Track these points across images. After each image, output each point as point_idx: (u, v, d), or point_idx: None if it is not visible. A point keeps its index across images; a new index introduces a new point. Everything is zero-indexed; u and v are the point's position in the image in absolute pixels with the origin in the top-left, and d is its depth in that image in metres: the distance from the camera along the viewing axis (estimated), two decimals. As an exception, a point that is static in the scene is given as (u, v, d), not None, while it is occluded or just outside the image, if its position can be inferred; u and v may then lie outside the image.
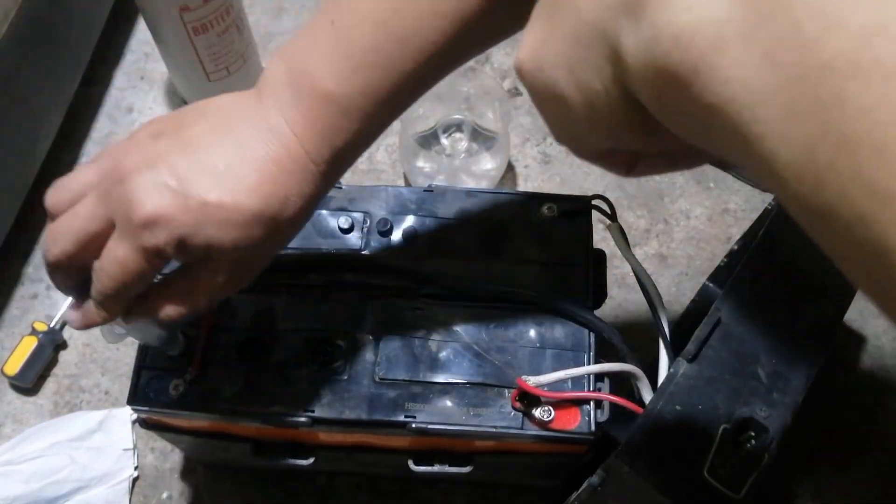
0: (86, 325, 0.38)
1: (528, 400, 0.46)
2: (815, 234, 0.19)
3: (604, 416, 0.46)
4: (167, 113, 0.40)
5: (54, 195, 0.38)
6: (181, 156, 0.35)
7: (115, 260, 0.35)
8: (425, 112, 0.76)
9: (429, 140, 0.76)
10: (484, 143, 0.76)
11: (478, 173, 0.73)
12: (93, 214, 0.36)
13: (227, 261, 0.37)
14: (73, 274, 0.38)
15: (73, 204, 0.37)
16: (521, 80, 0.27)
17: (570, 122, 0.26)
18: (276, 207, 0.36)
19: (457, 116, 0.76)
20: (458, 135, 0.77)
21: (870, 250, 0.17)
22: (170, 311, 0.37)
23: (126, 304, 0.37)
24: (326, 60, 0.36)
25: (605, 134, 0.25)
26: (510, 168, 0.78)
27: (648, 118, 0.23)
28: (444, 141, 0.76)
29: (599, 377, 0.47)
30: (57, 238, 0.36)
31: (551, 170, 0.79)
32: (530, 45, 0.26)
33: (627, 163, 0.29)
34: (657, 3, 0.20)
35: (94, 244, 0.36)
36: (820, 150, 0.17)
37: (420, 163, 0.72)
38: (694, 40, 0.19)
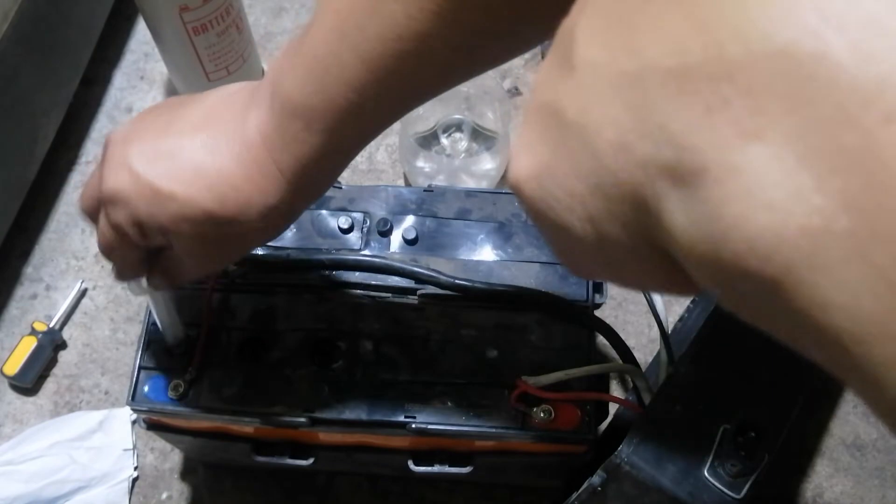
0: (117, 275, 0.43)
1: (528, 400, 0.46)
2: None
3: (604, 416, 0.46)
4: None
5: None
6: (153, 138, 0.36)
7: (99, 228, 0.39)
8: (425, 112, 0.76)
9: (429, 140, 0.76)
10: (484, 143, 0.76)
11: (478, 173, 0.73)
12: (95, 179, 0.39)
13: (190, 249, 0.37)
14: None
15: None
16: (517, 196, 0.22)
17: (575, 251, 0.21)
18: (232, 211, 0.35)
19: (457, 116, 0.76)
20: (458, 135, 0.77)
21: None
22: (155, 281, 0.42)
23: (130, 266, 0.41)
24: (291, 68, 0.34)
25: (616, 271, 0.21)
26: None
27: (681, 275, 0.18)
28: (445, 141, 0.76)
29: (599, 377, 0.47)
30: (82, 195, 0.40)
31: (551, 170, 0.79)
32: (532, 166, 0.20)
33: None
34: (722, 186, 0.15)
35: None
36: None
37: (420, 163, 0.72)
38: (779, 252, 0.14)
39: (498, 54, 0.36)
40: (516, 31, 0.34)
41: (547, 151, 0.20)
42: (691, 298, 0.69)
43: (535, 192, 0.20)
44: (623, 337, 0.49)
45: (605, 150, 0.18)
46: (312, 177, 0.36)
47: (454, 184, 0.72)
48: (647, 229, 0.18)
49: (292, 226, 0.52)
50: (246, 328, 0.49)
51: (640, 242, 0.18)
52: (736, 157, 0.15)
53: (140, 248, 0.39)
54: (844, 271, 0.14)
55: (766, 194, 0.14)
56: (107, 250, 0.40)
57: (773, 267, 0.15)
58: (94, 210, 0.39)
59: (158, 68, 0.84)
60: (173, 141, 0.36)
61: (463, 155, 0.75)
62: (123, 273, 0.42)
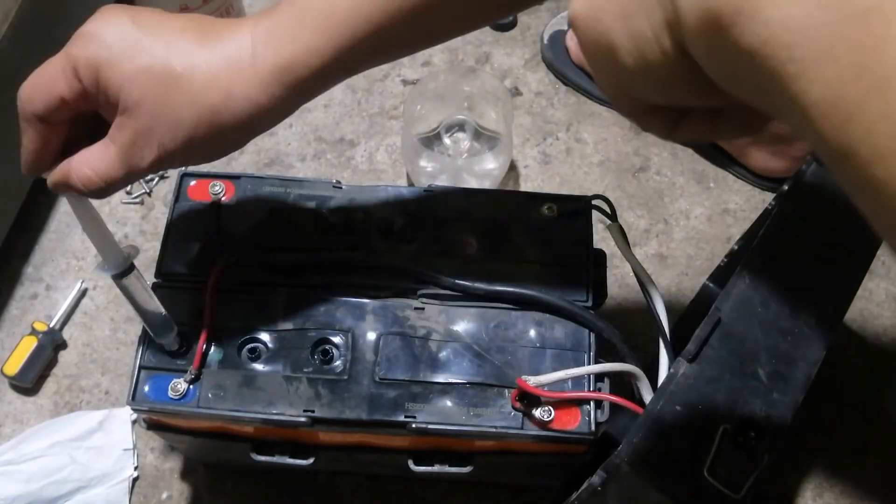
0: (26, 166, 0.40)
1: (528, 400, 0.46)
2: (836, 172, 0.20)
3: (604, 416, 0.46)
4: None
5: None
6: (154, 18, 0.38)
7: (39, 69, 0.38)
8: (428, 112, 0.76)
9: (431, 140, 0.76)
10: (486, 143, 0.76)
11: (480, 173, 0.73)
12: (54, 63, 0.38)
13: (142, 122, 0.37)
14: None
15: None
16: (574, 31, 0.27)
17: (620, 72, 0.26)
18: (214, 97, 0.37)
19: (459, 117, 0.76)
20: (460, 135, 0.77)
21: (886, 190, 0.18)
22: (85, 169, 0.38)
23: (43, 142, 0.39)
24: None
25: (653, 85, 0.26)
26: (511, 167, 0.78)
27: (697, 69, 0.23)
28: (447, 141, 0.76)
29: (599, 377, 0.47)
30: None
31: (551, 170, 0.79)
32: None
33: (669, 122, 0.29)
34: None
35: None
36: (852, 90, 0.18)
37: (423, 162, 0.72)
38: None
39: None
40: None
41: None
42: (691, 299, 0.69)
43: (586, 12, 0.26)
44: (623, 337, 0.49)
45: None
46: (294, 77, 0.38)
47: (457, 183, 0.72)
48: (663, 12, 0.23)
49: (292, 226, 0.52)
50: (246, 328, 0.49)
51: (662, 33, 0.23)
52: None
53: (74, 112, 0.38)
54: None
55: None
56: (37, 85, 0.38)
57: None
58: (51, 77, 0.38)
59: (158, 68, 0.84)
60: (173, 20, 0.38)
61: (465, 155, 0.75)
62: (44, 148, 0.39)
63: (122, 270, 0.43)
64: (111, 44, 0.36)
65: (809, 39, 0.19)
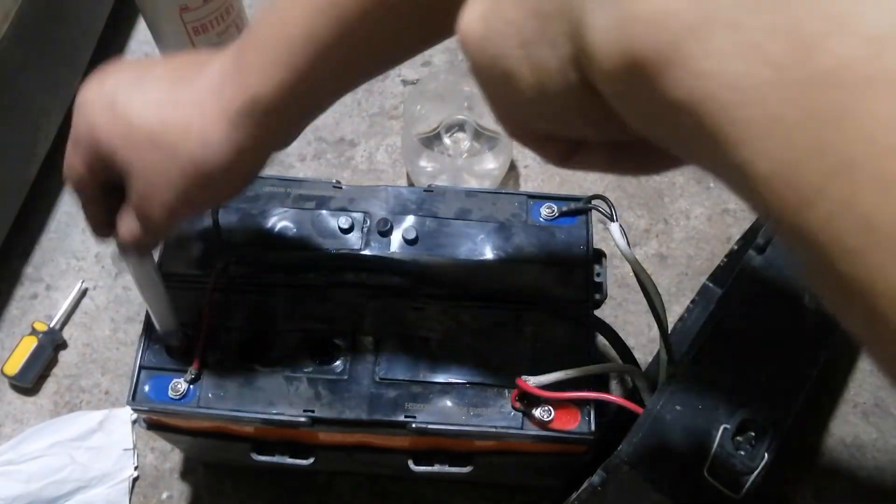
0: (93, 229, 0.43)
1: (528, 400, 0.46)
2: (791, 250, 0.17)
3: (604, 416, 0.46)
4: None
5: None
6: (133, 74, 0.39)
7: (66, 159, 0.40)
8: (428, 112, 0.76)
9: (431, 140, 0.76)
10: (486, 143, 0.76)
11: (480, 173, 0.73)
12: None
13: (149, 184, 0.38)
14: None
15: None
16: (463, 50, 0.24)
17: (514, 101, 0.23)
18: (173, 136, 0.37)
19: (459, 117, 0.76)
20: (460, 135, 0.77)
21: (853, 287, 0.15)
22: (124, 231, 0.41)
23: (96, 212, 0.42)
24: (257, 21, 0.37)
25: (551, 119, 0.23)
26: (511, 167, 0.78)
27: (606, 108, 0.20)
28: (447, 141, 0.76)
29: (599, 377, 0.47)
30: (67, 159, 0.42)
31: (551, 170, 0.79)
32: (478, 9, 0.23)
33: (563, 151, 0.26)
34: None
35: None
36: (809, 169, 0.15)
37: (423, 162, 0.72)
38: (668, 23, 0.17)
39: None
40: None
41: None
42: (691, 299, 0.69)
43: (479, 32, 0.23)
44: (623, 337, 0.49)
45: None
46: (263, 119, 0.37)
47: (457, 183, 0.72)
48: (571, 46, 0.20)
49: (292, 226, 0.52)
50: (246, 328, 0.49)
51: (568, 68, 0.21)
52: None
53: (96, 184, 0.40)
54: (722, 39, 0.16)
55: None
56: (71, 181, 0.41)
57: (663, 40, 0.17)
58: (79, 163, 0.40)
59: (158, 68, 0.84)
60: (149, 78, 0.39)
61: (465, 155, 0.75)
62: (94, 217, 0.42)
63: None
64: (97, 117, 0.38)
65: (755, 102, 0.16)
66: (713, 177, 0.19)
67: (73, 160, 0.40)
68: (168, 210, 0.39)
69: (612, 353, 0.49)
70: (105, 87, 0.39)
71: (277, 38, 0.36)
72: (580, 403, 0.46)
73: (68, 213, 0.77)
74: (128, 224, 0.40)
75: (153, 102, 0.37)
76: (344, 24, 0.35)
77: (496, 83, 0.24)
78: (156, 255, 0.51)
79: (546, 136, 0.26)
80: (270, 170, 0.79)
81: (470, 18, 0.23)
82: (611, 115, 0.20)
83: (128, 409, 0.65)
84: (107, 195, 0.41)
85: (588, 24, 0.19)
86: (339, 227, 0.52)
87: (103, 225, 0.42)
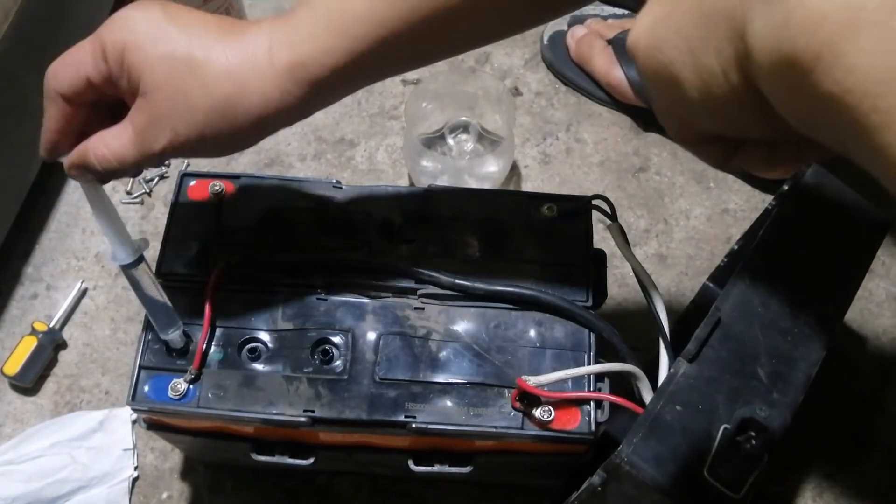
0: (45, 146, 0.42)
1: (528, 400, 0.46)
2: None
3: (604, 416, 0.46)
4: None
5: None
6: (182, 11, 0.39)
7: (68, 52, 0.39)
8: (430, 113, 0.76)
9: (433, 141, 0.76)
10: (489, 146, 0.76)
11: (482, 175, 0.73)
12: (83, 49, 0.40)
13: (159, 106, 0.38)
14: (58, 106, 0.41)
15: None
16: (634, 58, 0.27)
17: (681, 104, 0.26)
18: (229, 88, 0.38)
19: (463, 119, 0.76)
20: (463, 136, 0.77)
21: None
22: (102, 147, 0.40)
23: (67, 122, 0.40)
24: None
25: (716, 118, 0.25)
26: (512, 168, 0.78)
27: (766, 106, 0.23)
28: (451, 142, 0.76)
29: (599, 377, 0.47)
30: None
31: (551, 170, 0.79)
32: (648, 21, 0.26)
33: (724, 152, 0.28)
34: None
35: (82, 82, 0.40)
36: None
37: (425, 163, 0.72)
38: (822, 25, 0.19)
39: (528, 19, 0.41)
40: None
41: (663, 3, 0.25)
42: (691, 299, 0.69)
43: (648, 41, 0.25)
44: (623, 337, 0.49)
45: None
46: (309, 76, 0.39)
47: (457, 184, 0.72)
48: (734, 49, 0.22)
49: (293, 226, 0.52)
50: (246, 328, 0.49)
51: (731, 70, 0.23)
52: None
53: (96, 93, 0.40)
54: (869, 38, 0.18)
55: None
56: (67, 64, 0.39)
57: (816, 40, 0.19)
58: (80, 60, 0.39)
59: (158, 68, 0.84)
60: (197, 16, 0.39)
61: (468, 156, 0.75)
62: (63, 129, 0.41)
63: (133, 261, 0.44)
64: (138, 29, 0.38)
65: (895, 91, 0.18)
66: (858, 161, 0.21)
67: (84, 63, 0.39)
68: (175, 138, 0.39)
69: (612, 353, 0.49)
70: (153, 10, 0.39)
71: (335, 10, 0.38)
72: (580, 403, 0.46)
73: (68, 213, 0.77)
74: (113, 145, 0.40)
75: (201, 40, 0.38)
76: (408, 17, 0.37)
77: (664, 87, 0.26)
78: (153, 254, 0.51)
79: (709, 137, 0.28)
80: (270, 170, 0.80)
81: (640, 30, 0.26)
82: (770, 112, 0.23)
83: (128, 409, 0.65)
84: (94, 112, 0.41)
85: (749, 29, 0.21)
86: (340, 227, 0.52)
87: (70, 140, 0.41)
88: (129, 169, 0.41)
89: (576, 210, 0.53)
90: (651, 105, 0.28)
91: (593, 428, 0.46)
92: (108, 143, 0.40)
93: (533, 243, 0.52)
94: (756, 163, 0.29)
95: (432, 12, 0.38)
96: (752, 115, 0.24)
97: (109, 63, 0.39)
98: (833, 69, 0.19)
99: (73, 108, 0.40)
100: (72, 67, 0.39)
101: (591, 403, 0.46)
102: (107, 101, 0.41)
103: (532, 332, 0.49)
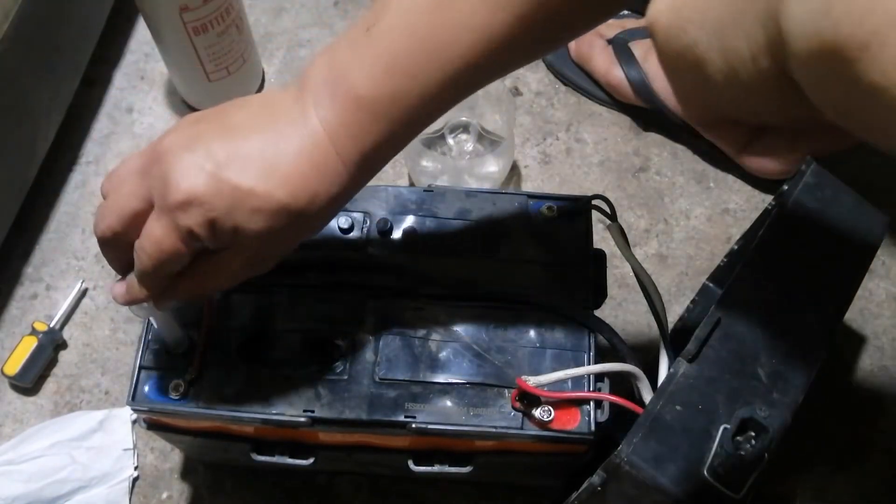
0: (128, 301, 0.41)
1: (528, 400, 0.46)
2: None
3: (604, 416, 0.46)
4: (173, 112, 0.41)
5: (106, 181, 0.41)
6: (219, 140, 0.37)
7: (153, 239, 0.37)
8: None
9: (433, 141, 0.76)
10: (489, 146, 0.76)
11: (482, 175, 0.73)
12: (134, 193, 0.38)
13: (252, 247, 0.38)
14: (119, 250, 0.40)
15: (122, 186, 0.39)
16: (653, 37, 0.25)
17: (704, 87, 0.24)
18: (303, 202, 0.37)
19: (463, 119, 0.76)
20: (464, 136, 0.77)
21: None
22: (191, 289, 0.40)
23: (164, 281, 0.40)
24: (360, 65, 0.36)
25: (741, 104, 0.24)
26: (512, 168, 0.78)
27: (796, 93, 0.22)
28: (451, 142, 0.76)
29: (599, 377, 0.47)
30: (104, 215, 0.39)
31: (551, 170, 0.79)
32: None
33: (743, 138, 0.27)
34: None
35: (136, 222, 0.38)
36: None
37: (425, 162, 0.72)
38: (871, 14, 0.18)
39: (557, 45, 0.39)
40: (585, 24, 0.37)
41: None
42: (691, 299, 0.69)
43: (670, 20, 0.24)
44: (623, 337, 0.49)
45: None
46: (372, 165, 0.39)
47: (457, 184, 0.72)
48: (765, 33, 0.21)
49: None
50: (246, 328, 0.49)
51: (761, 55, 0.21)
52: None
53: (189, 256, 0.38)
54: None
55: None
56: (163, 261, 0.38)
57: (864, 29, 0.18)
58: (125, 227, 0.39)
59: (158, 68, 0.84)
60: (242, 140, 0.37)
61: (468, 157, 0.75)
62: (159, 283, 0.40)
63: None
64: (196, 184, 0.36)
65: None
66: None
67: (173, 249, 0.37)
68: (251, 271, 0.40)
69: (612, 353, 0.49)
70: (196, 149, 0.36)
71: (393, 102, 0.36)
72: (580, 403, 0.46)
73: (68, 213, 0.77)
74: (199, 278, 0.40)
75: (254, 159, 0.36)
76: (451, 83, 0.36)
77: (686, 70, 0.24)
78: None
79: (730, 122, 0.26)
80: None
81: (660, 6, 0.24)
82: (800, 99, 0.21)
83: (128, 409, 0.65)
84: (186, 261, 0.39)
85: (786, 13, 0.20)
86: (339, 227, 0.52)
87: (166, 286, 0.40)
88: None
89: (576, 210, 0.53)
90: (667, 90, 0.27)
91: (593, 428, 0.46)
92: (205, 285, 0.40)
93: (533, 243, 0.52)
94: (777, 148, 0.27)
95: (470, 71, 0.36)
96: (780, 102, 0.23)
97: (203, 239, 0.37)
98: (880, 60, 0.18)
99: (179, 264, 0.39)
100: (163, 244, 0.38)
101: (591, 403, 0.46)
102: None
103: (532, 332, 0.49)
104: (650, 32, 0.25)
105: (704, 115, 0.27)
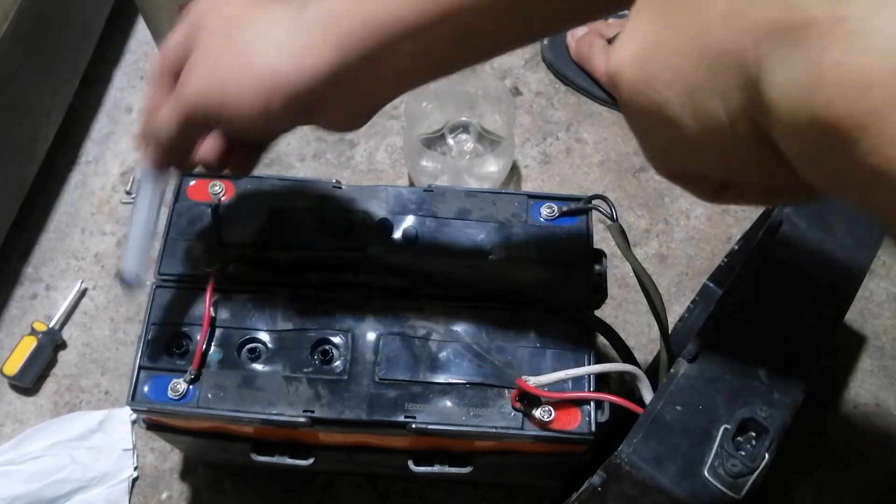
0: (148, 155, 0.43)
1: (528, 400, 0.46)
2: None
3: (604, 416, 0.46)
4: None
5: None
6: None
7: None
8: (431, 113, 0.76)
9: (434, 141, 0.76)
10: (489, 146, 0.76)
11: (481, 175, 0.73)
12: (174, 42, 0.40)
13: (197, 66, 0.39)
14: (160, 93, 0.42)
15: None
16: (616, 92, 0.23)
17: (670, 143, 0.22)
18: (292, 74, 0.37)
19: (464, 119, 0.76)
20: (464, 136, 0.77)
21: None
22: (205, 152, 0.41)
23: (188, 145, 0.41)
24: None
25: (714, 163, 0.22)
26: (512, 168, 0.78)
27: (776, 157, 0.20)
28: (451, 141, 0.76)
29: (599, 377, 0.47)
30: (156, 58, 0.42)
31: (551, 170, 0.79)
32: (635, 50, 0.22)
33: (713, 189, 0.25)
34: (826, 36, 0.17)
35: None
36: None
37: (425, 162, 0.72)
38: (868, 93, 0.16)
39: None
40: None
41: (654, 32, 0.21)
42: (691, 299, 0.69)
43: (636, 74, 0.22)
44: (623, 337, 0.49)
45: (715, 19, 0.19)
46: (363, 49, 0.36)
47: (457, 184, 0.72)
48: (744, 98, 0.19)
49: (292, 225, 0.52)
50: (246, 328, 0.49)
51: (739, 119, 0.19)
52: (843, 9, 0.16)
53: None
54: None
55: (867, 38, 0.16)
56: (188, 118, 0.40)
57: (862, 109, 0.16)
58: (174, 64, 0.40)
59: (158, 68, 0.84)
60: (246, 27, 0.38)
61: (468, 156, 0.75)
62: (185, 151, 0.42)
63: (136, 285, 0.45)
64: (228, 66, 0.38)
65: None
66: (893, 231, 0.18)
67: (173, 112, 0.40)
68: (206, 95, 0.39)
69: (612, 353, 0.49)
70: (224, 12, 0.39)
71: None
72: (580, 403, 0.46)
73: (68, 213, 0.77)
74: (211, 145, 0.41)
75: (274, 39, 0.37)
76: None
77: (654, 127, 0.23)
78: (156, 247, 0.51)
79: (699, 175, 0.25)
80: (270, 170, 0.80)
81: (624, 57, 0.22)
82: (780, 162, 0.20)
83: (128, 409, 0.65)
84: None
85: (768, 81, 0.18)
86: (339, 227, 0.52)
87: (186, 154, 0.42)
88: (177, 138, 0.41)
89: (576, 210, 0.53)
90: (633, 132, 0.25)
91: (593, 428, 0.46)
92: (203, 148, 0.41)
93: (533, 243, 0.52)
94: (750, 199, 0.26)
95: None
96: (758, 164, 0.21)
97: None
98: (882, 143, 0.16)
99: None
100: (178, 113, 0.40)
101: (591, 404, 0.46)
102: None
103: (532, 332, 0.49)
104: (614, 87, 0.23)
105: (672, 169, 0.25)
